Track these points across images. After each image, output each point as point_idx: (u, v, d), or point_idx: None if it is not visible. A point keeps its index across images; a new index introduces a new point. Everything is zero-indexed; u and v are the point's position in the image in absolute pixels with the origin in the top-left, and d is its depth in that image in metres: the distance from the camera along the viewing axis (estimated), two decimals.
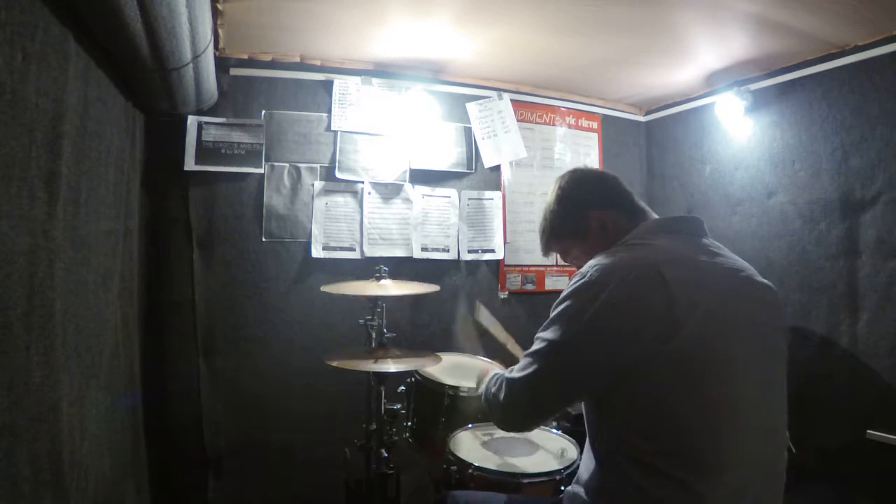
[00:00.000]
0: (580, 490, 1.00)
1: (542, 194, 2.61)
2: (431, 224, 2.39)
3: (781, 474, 0.93)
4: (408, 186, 2.35)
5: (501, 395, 1.05)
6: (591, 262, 0.95)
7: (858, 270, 1.88)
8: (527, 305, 2.54)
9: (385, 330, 1.78)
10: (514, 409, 1.05)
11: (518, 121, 2.53)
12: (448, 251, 2.41)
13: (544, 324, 0.97)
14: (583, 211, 1.15)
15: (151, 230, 1.99)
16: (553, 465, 1.41)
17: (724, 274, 0.96)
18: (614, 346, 0.87)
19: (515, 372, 1.03)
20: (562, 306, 0.94)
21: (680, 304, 0.86)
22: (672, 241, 1.00)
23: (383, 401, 1.76)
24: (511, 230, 2.53)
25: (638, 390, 0.87)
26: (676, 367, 0.85)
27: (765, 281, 1.01)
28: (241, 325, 2.11)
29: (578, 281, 0.93)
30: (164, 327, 2.03)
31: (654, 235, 1.02)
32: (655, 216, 1.13)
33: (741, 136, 2.34)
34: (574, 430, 1.62)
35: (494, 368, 1.45)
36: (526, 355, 1.00)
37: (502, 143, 2.50)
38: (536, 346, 0.97)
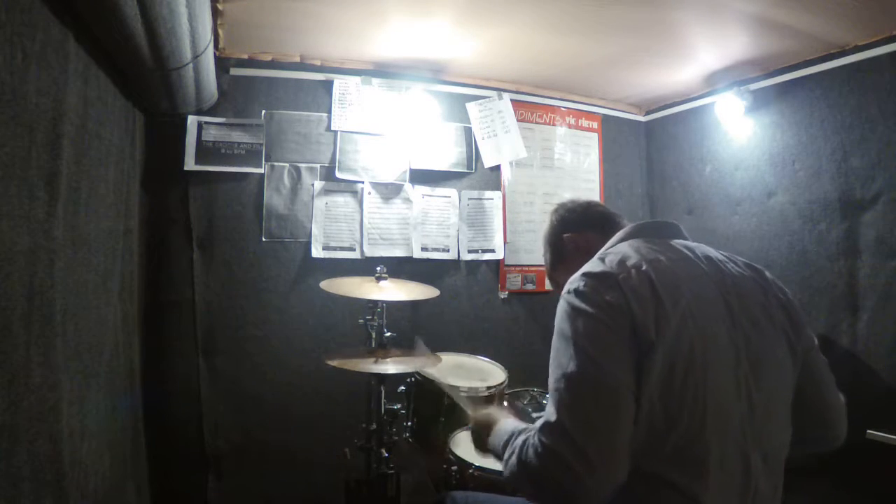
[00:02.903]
0: None
1: (542, 194, 2.62)
2: (431, 224, 2.39)
3: (781, 473, 0.91)
4: (408, 186, 2.35)
5: (546, 447, 0.80)
6: (570, 279, 0.92)
7: (858, 270, 1.88)
8: (527, 305, 2.55)
9: (385, 330, 1.78)
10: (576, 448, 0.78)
11: (518, 121, 2.53)
12: (448, 251, 2.41)
13: (553, 360, 0.87)
14: (559, 237, 1.25)
15: (151, 230, 1.99)
16: None
17: (701, 274, 0.94)
18: (620, 352, 0.83)
19: (546, 420, 0.83)
20: (560, 337, 0.88)
21: (665, 300, 0.85)
22: (640, 245, 0.99)
23: (383, 401, 1.76)
24: (511, 230, 2.53)
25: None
26: (660, 371, 0.82)
27: (747, 270, 0.98)
28: (241, 325, 2.11)
29: (563, 304, 0.90)
30: (164, 327, 2.03)
31: (621, 244, 1.02)
32: (630, 226, 1.11)
33: (741, 136, 2.34)
34: None
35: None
36: (550, 402, 0.84)
37: (502, 143, 2.50)
38: (559, 385, 0.83)
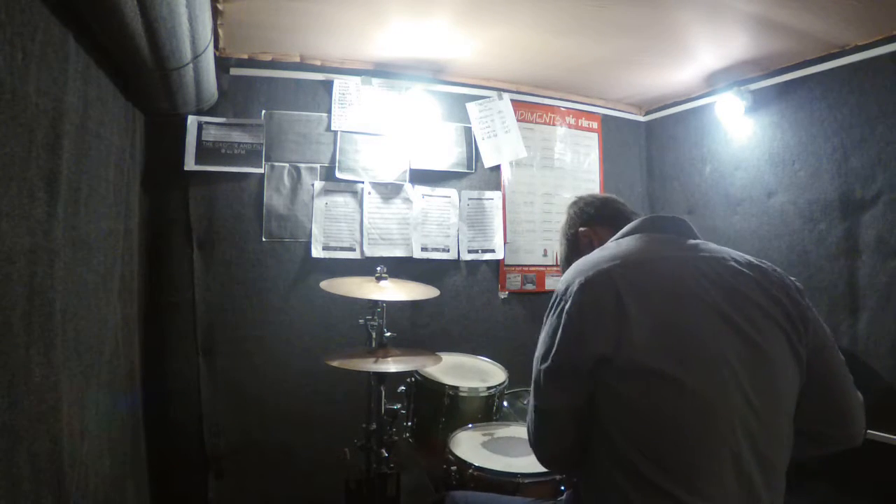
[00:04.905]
0: (576, 501, 1.00)
1: (542, 194, 2.62)
2: (431, 224, 2.39)
3: (782, 474, 0.89)
4: (408, 186, 2.35)
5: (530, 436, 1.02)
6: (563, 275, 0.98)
7: (858, 270, 1.88)
8: (527, 305, 2.55)
9: (385, 330, 1.78)
10: (537, 446, 1.01)
11: (518, 121, 2.53)
12: (448, 251, 2.41)
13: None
14: (574, 230, 1.28)
15: (151, 230, 1.99)
16: None
17: (694, 275, 0.92)
18: (580, 353, 0.87)
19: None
20: (543, 327, 0.97)
21: (629, 307, 0.85)
22: (632, 244, 0.99)
23: (383, 401, 1.76)
24: (511, 230, 2.53)
25: (615, 398, 0.85)
26: (637, 372, 0.83)
27: (748, 269, 0.95)
28: (241, 325, 2.11)
29: (552, 297, 0.97)
30: (164, 327, 2.03)
31: (617, 240, 1.04)
32: (634, 221, 1.12)
33: (741, 136, 2.34)
34: None
35: None
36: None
37: (502, 143, 2.50)
38: (533, 376, 0.98)
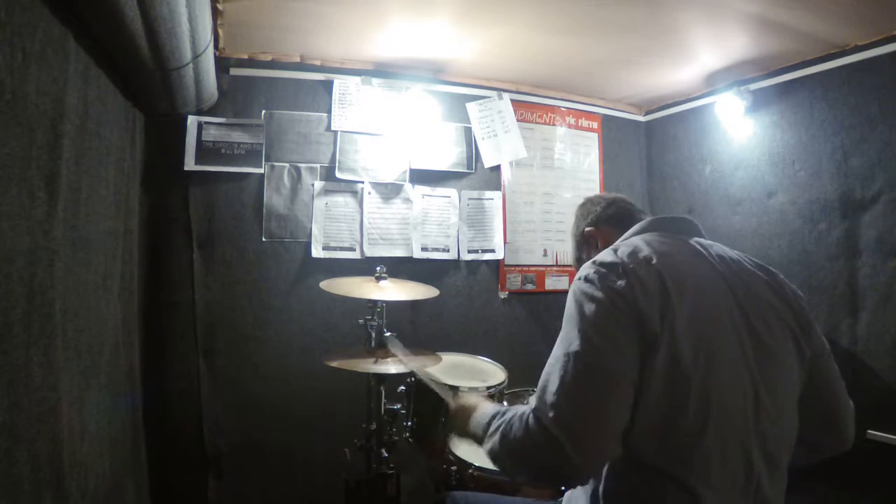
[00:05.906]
0: (580, 493, 1.00)
1: (542, 194, 2.62)
2: (431, 224, 2.39)
3: (785, 473, 0.91)
4: (408, 186, 2.35)
5: (544, 426, 0.81)
6: (582, 267, 0.95)
7: (858, 270, 1.88)
8: (527, 305, 2.54)
9: (385, 330, 1.78)
10: (571, 427, 0.79)
11: (518, 121, 2.53)
12: (448, 251, 2.41)
13: (558, 341, 0.89)
14: (581, 230, 1.27)
15: (151, 230, 1.99)
16: None
17: (711, 271, 0.94)
18: (623, 340, 0.84)
19: (540, 397, 0.84)
20: (567, 321, 0.90)
21: (672, 292, 0.85)
22: (652, 239, 0.99)
23: (383, 401, 1.76)
24: (511, 230, 2.53)
25: (636, 391, 0.84)
26: (666, 366, 0.83)
27: (759, 271, 0.98)
28: (241, 325, 2.11)
29: (573, 289, 0.93)
30: (164, 327, 2.03)
31: (635, 237, 1.03)
32: (646, 220, 1.13)
33: (741, 136, 2.34)
34: None
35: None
36: (549, 381, 0.84)
37: (502, 143, 2.50)
38: (558, 364, 0.85)
